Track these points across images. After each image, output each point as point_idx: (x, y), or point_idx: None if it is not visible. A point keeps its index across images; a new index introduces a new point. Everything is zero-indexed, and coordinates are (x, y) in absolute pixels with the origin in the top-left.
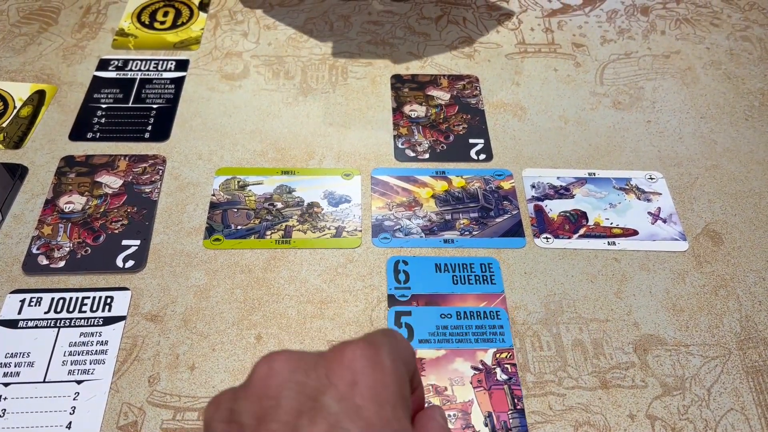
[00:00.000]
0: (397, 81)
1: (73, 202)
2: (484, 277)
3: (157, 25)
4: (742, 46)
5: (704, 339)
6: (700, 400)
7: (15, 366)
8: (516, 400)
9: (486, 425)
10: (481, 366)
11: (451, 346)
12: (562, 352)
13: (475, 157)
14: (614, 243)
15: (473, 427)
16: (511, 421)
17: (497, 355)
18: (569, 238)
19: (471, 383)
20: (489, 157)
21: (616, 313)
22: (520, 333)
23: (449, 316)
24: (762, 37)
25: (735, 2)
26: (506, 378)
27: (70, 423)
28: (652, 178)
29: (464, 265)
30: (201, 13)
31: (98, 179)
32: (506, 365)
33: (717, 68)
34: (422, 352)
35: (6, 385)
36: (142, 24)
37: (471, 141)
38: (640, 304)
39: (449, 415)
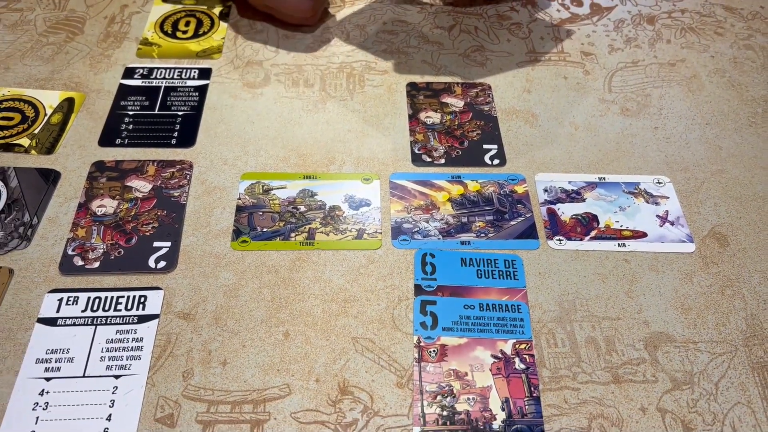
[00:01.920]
0: (413, 89)
1: (105, 206)
2: (507, 273)
3: (179, 34)
4: (746, 54)
5: (711, 336)
6: (708, 394)
7: (56, 361)
8: (533, 389)
9: (503, 409)
10: (500, 355)
11: (473, 335)
12: (576, 348)
13: (489, 162)
14: (624, 245)
15: (491, 410)
16: (527, 407)
17: (516, 346)
18: (581, 239)
19: (490, 370)
20: (502, 162)
21: (626, 312)
22: (536, 330)
23: (472, 307)
24: (765, 45)
25: (738, 12)
26: (524, 367)
27: (110, 415)
28: (659, 182)
29: (489, 261)
30: (222, 22)
31: (128, 183)
32: (525, 356)
33: (721, 76)
34: (445, 339)
35: (48, 379)
36: (165, 33)
37: (485, 146)
38: (650, 303)
39: (468, 399)
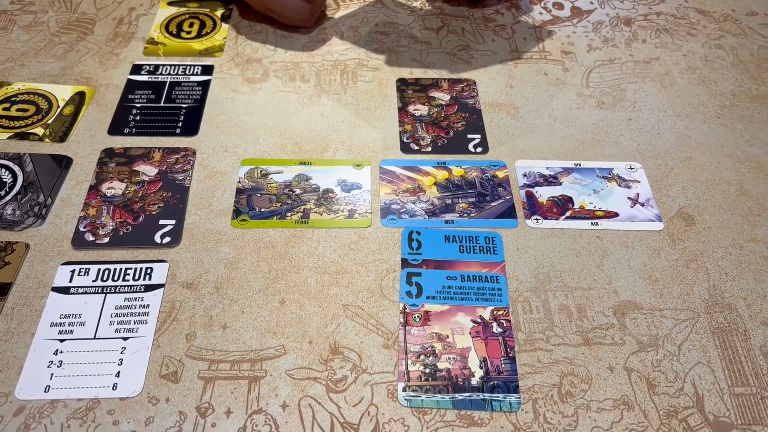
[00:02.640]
0: (402, 84)
1: (114, 188)
2: (488, 248)
3: (183, 34)
4: (716, 53)
5: (676, 305)
6: (671, 355)
7: (69, 325)
8: (509, 350)
9: (481, 368)
10: (479, 320)
11: (455, 303)
12: (549, 315)
13: (473, 150)
14: (597, 223)
15: (470, 368)
16: (503, 365)
17: (494, 312)
18: (557, 219)
19: (470, 333)
20: (485, 150)
21: (597, 283)
22: (513, 299)
23: (454, 278)
24: (734, 45)
25: (710, 14)
26: (501, 331)
27: (119, 372)
28: (632, 168)
29: (470, 238)
30: (223, 23)
31: (136, 168)
32: (502, 321)
33: (693, 73)
34: (429, 306)
35: (62, 341)
36: (170, 33)
37: (469, 136)
38: (620, 275)
39: (449, 358)
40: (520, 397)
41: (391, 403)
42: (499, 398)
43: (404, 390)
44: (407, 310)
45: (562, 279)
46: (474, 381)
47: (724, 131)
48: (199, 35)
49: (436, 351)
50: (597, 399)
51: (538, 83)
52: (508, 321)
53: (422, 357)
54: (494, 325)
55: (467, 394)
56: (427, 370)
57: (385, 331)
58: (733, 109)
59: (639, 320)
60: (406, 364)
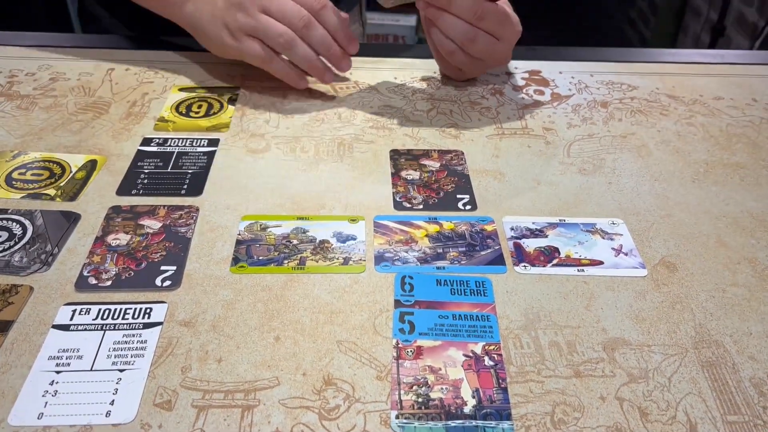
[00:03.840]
0: (395, 154)
1: (119, 239)
2: (478, 291)
3: (192, 114)
4: (688, 129)
5: (664, 341)
6: (661, 386)
7: (66, 358)
8: (501, 381)
9: (473, 397)
10: (471, 354)
11: (447, 339)
12: (540, 350)
13: (462, 208)
14: (583, 270)
15: (462, 398)
16: (495, 395)
17: (486, 347)
18: (544, 266)
19: (462, 366)
20: (474, 208)
21: (586, 322)
22: (504, 336)
23: (446, 317)
24: (704, 123)
25: (680, 98)
26: (493, 364)
27: (113, 401)
28: (614, 223)
29: (461, 281)
30: (230, 105)
31: (141, 222)
32: (493, 355)
33: (667, 145)
34: (421, 342)
35: (58, 372)
36: (180, 113)
37: (458, 196)
38: (607, 315)
39: (442, 389)
40: (513, 424)
41: (384, 430)
42: (492, 425)
43: (397, 417)
44: (400, 345)
45: (551, 318)
46: (467, 409)
47: (700, 193)
48: (207, 115)
49: (429, 382)
50: (590, 426)
51: (522, 154)
52: (500, 355)
53: (415, 387)
54: (486, 358)
55: (460, 422)
56: (420, 399)
57: (378, 364)
58: (707, 175)
59: (628, 355)
60: (399, 394)
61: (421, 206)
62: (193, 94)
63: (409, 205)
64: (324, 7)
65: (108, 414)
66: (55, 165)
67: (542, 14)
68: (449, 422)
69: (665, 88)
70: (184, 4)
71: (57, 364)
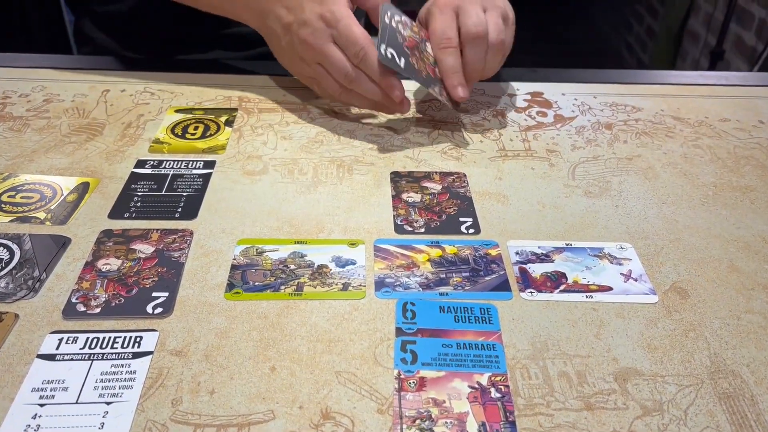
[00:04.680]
0: (396, 176)
1: (110, 264)
2: (483, 318)
3: (188, 135)
4: (695, 152)
5: (678, 371)
6: (677, 419)
7: (50, 390)
8: (508, 414)
9: (479, 431)
10: (476, 385)
11: (451, 369)
12: (549, 381)
13: (465, 231)
14: (591, 296)
15: None
16: (503, 429)
17: (492, 378)
18: (551, 292)
19: (467, 398)
20: (477, 231)
21: (596, 351)
22: (511, 366)
23: (450, 346)
24: (711, 145)
25: (685, 120)
26: (499, 396)
27: None
28: (622, 248)
29: (465, 308)
30: (227, 127)
31: (133, 246)
32: (500, 386)
33: (674, 168)
34: (424, 372)
35: (42, 405)
36: (175, 135)
37: (461, 219)
38: (618, 344)
39: (446, 423)
40: None
41: None
42: None
43: None
44: (402, 376)
45: (559, 347)
46: None
47: (710, 216)
48: (203, 136)
49: (432, 416)
50: None
51: (525, 176)
52: (507, 386)
53: (418, 421)
54: (492, 390)
55: None
56: None
57: (379, 396)
58: (716, 198)
59: (641, 386)
60: (401, 429)
61: (422, 229)
62: (189, 116)
63: (410, 229)
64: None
65: None
66: (46, 187)
67: (538, 38)
68: None
69: (670, 110)
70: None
71: (41, 396)
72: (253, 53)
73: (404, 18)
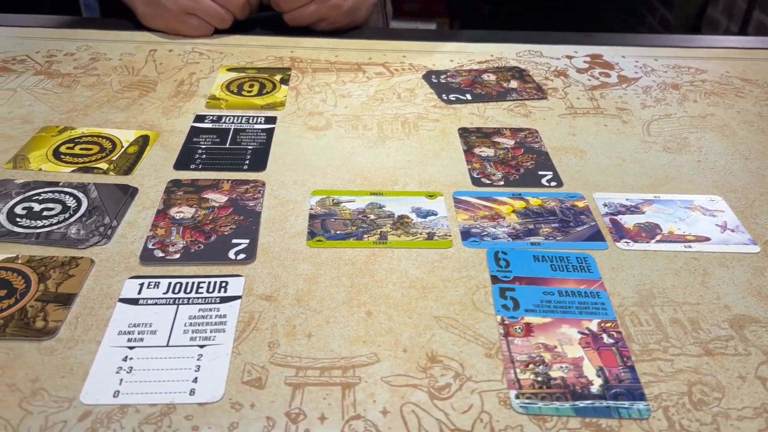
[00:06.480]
0: (465, 131)
1: (183, 212)
2: (581, 267)
3: (245, 92)
4: None
5: None
6: None
7: (138, 333)
8: (625, 359)
9: (598, 376)
10: (587, 331)
11: (557, 316)
12: (661, 327)
13: (547, 184)
14: (690, 246)
15: (586, 377)
16: (622, 374)
17: (602, 324)
18: (647, 242)
19: (579, 344)
20: (559, 184)
21: (705, 298)
22: (619, 313)
23: (552, 293)
24: None
25: (753, 81)
26: (613, 341)
27: (196, 378)
28: (712, 200)
29: (561, 258)
30: (283, 85)
31: (204, 195)
32: (612, 332)
33: (750, 125)
34: (529, 318)
35: (131, 348)
36: (231, 92)
37: (540, 172)
38: (726, 292)
39: (561, 367)
40: (648, 405)
41: (504, 410)
42: (626, 405)
43: (517, 397)
44: (506, 322)
45: (666, 295)
46: (594, 389)
47: None
48: (260, 93)
49: (546, 360)
50: (736, 407)
51: (599, 132)
52: (619, 332)
53: (531, 366)
54: (604, 336)
55: (589, 402)
56: (540, 378)
57: (486, 341)
58: None
59: (760, 333)
60: (515, 373)
61: (501, 182)
62: (243, 74)
63: (488, 182)
64: None
65: (192, 392)
66: (104, 140)
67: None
68: (577, 403)
69: (735, 72)
70: None
71: (129, 339)
72: None
73: None
